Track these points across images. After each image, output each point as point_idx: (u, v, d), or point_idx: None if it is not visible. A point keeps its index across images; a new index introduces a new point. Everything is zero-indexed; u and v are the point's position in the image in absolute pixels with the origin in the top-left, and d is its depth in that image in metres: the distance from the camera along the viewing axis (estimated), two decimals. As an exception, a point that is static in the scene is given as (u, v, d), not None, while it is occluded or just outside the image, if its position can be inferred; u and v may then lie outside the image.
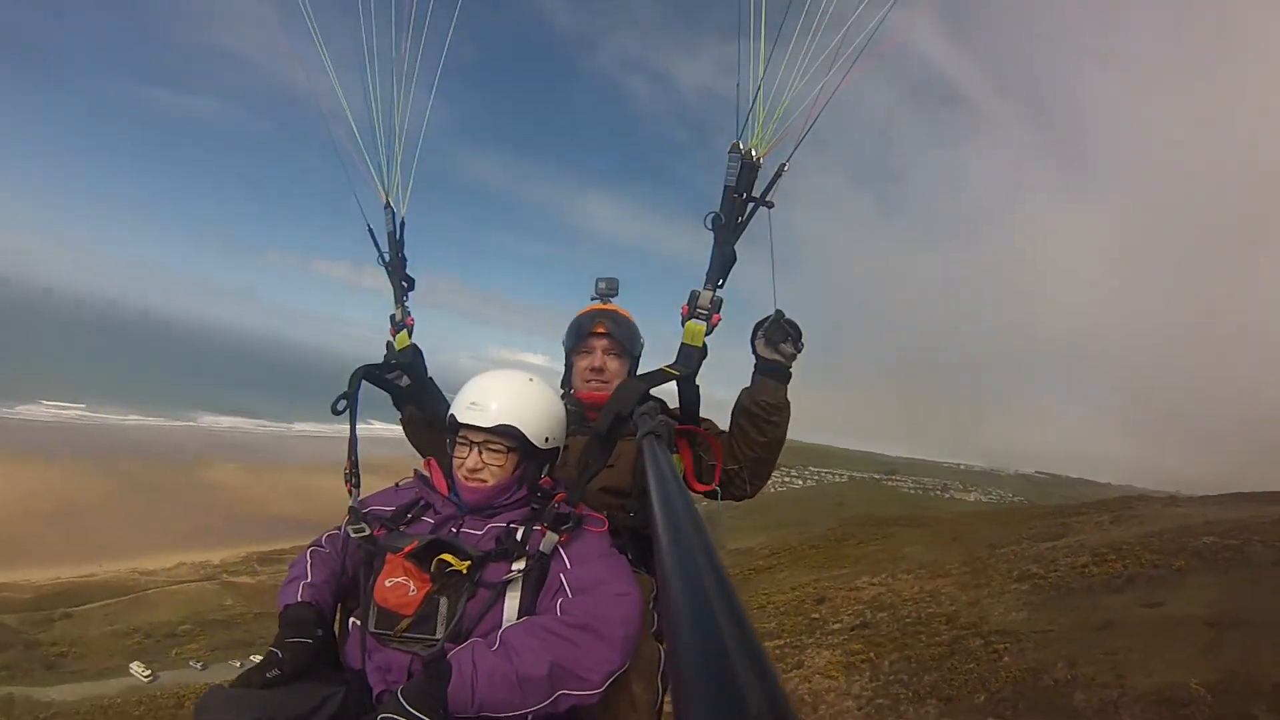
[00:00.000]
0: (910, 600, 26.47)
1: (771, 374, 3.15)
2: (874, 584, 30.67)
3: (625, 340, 3.58)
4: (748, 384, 3.23)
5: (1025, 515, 50.97)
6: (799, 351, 3.15)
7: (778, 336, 3.10)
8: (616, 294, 3.77)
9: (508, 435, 2.63)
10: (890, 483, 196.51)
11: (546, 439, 2.74)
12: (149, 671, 39.83)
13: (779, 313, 3.11)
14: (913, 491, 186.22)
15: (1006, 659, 15.14)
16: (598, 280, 3.77)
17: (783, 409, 3.15)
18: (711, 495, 3.19)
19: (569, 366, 3.65)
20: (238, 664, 40.28)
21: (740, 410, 3.20)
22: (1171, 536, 27.23)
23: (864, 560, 40.05)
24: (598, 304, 3.74)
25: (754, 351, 3.16)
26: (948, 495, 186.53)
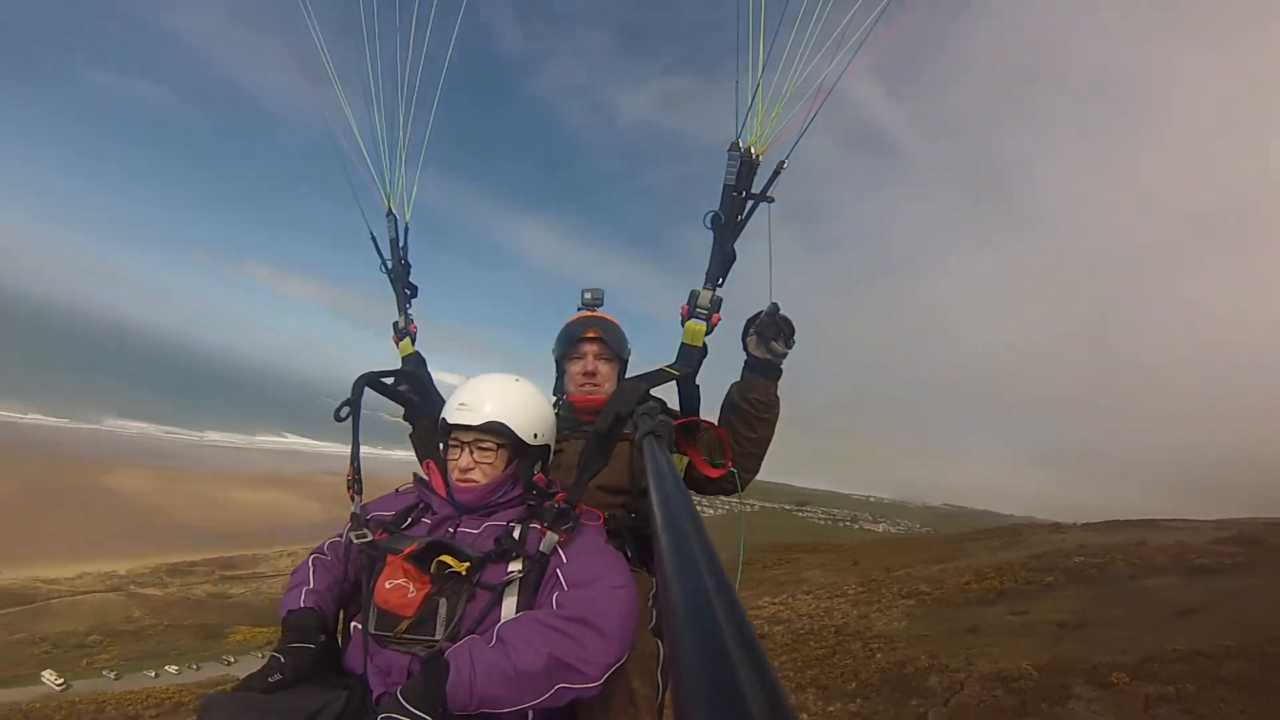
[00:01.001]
0: (806, 615, 28.92)
1: (762, 371, 3.17)
2: (774, 603, 33.03)
3: (615, 344, 3.62)
4: (737, 379, 3.29)
5: (926, 543, 54.48)
6: (790, 349, 3.15)
7: (770, 333, 3.10)
8: (602, 303, 3.83)
9: (497, 433, 2.67)
10: (801, 513, 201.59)
11: (535, 435, 2.78)
12: (61, 680, 38.87)
13: (774, 306, 3.11)
14: (822, 522, 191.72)
15: (879, 656, 17.70)
16: (583, 291, 3.84)
17: (772, 406, 3.19)
18: (725, 483, 3.21)
19: (561, 373, 3.70)
20: (153, 674, 39.89)
21: (730, 406, 3.25)
22: (1048, 558, 30.79)
23: (767, 583, 42.34)
24: (585, 312, 3.79)
25: (745, 348, 3.19)
26: (857, 526, 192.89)
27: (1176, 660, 12.91)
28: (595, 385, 3.55)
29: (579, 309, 3.82)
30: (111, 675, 40.10)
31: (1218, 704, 10.87)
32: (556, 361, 3.72)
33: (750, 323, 3.17)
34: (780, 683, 0.67)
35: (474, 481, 2.67)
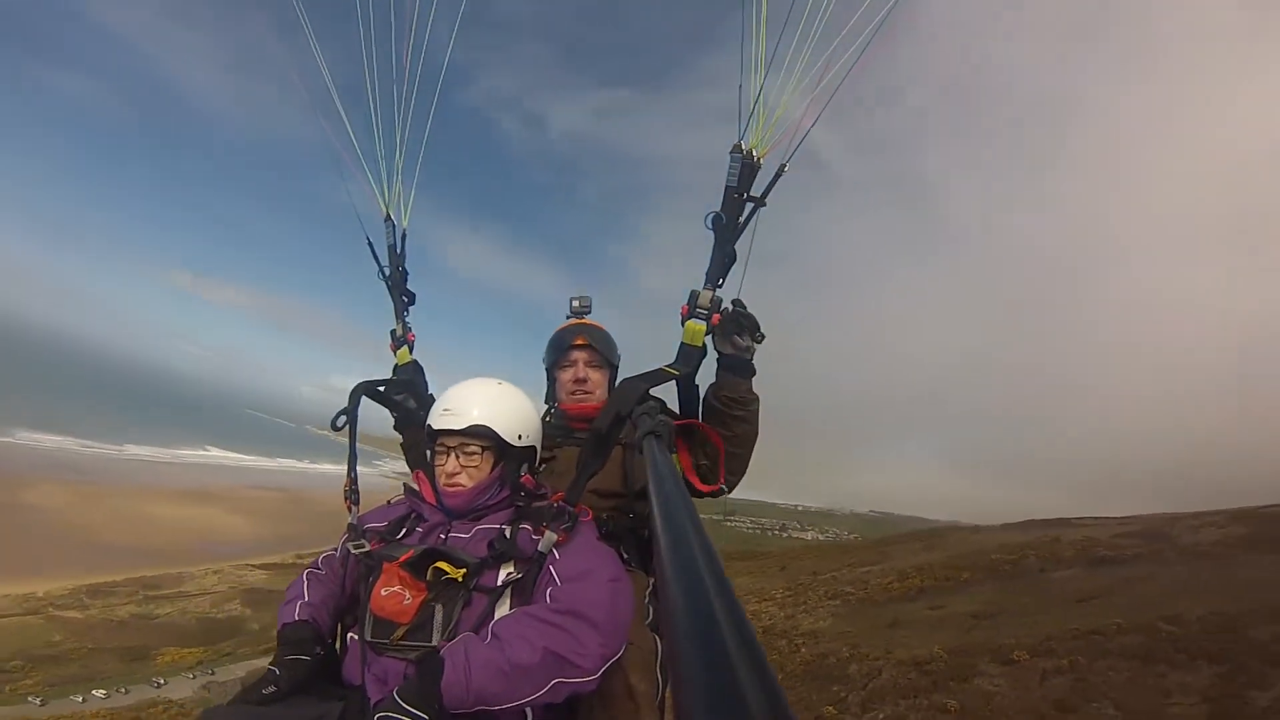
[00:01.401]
0: (735, 619, 29.83)
1: (732, 368, 3.18)
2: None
3: (605, 351, 3.65)
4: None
5: (852, 548, 56.18)
6: (758, 343, 3.17)
7: (732, 329, 3.13)
8: (590, 310, 3.84)
9: (481, 435, 2.70)
10: (730, 523, 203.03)
11: (520, 436, 2.80)
12: (-17, 705, 37.32)
13: (736, 303, 3.16)
14: (751, 531, 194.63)
15: (804, 650, 18.81)
16: (572, 299, 3.84)
17: (748, 403, 3.19)
18: (715, 495, 3.24)
19: (551, 381, 3.71)
20: (80, 699, 38.74)
21: (705, 406, 3.26)
22: (967, 557, 32.39)
23: (696, 591, 43.19)
24: (574, 319, 3.81)
25: (714, 346, 3.20)
26: (785, 534, 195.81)
27: (1072, 638, 14.16)
28: (586, 392, 3.58)
29: (568, 316, 3.83)
30: (37, 701, 38.99)
31: (1106, 673, 12.12)
32: (547, 370, 3.74)
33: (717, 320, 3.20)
34: (779, 683, 0.68)
35: (461, 485, 2.69)
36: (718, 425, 3.18)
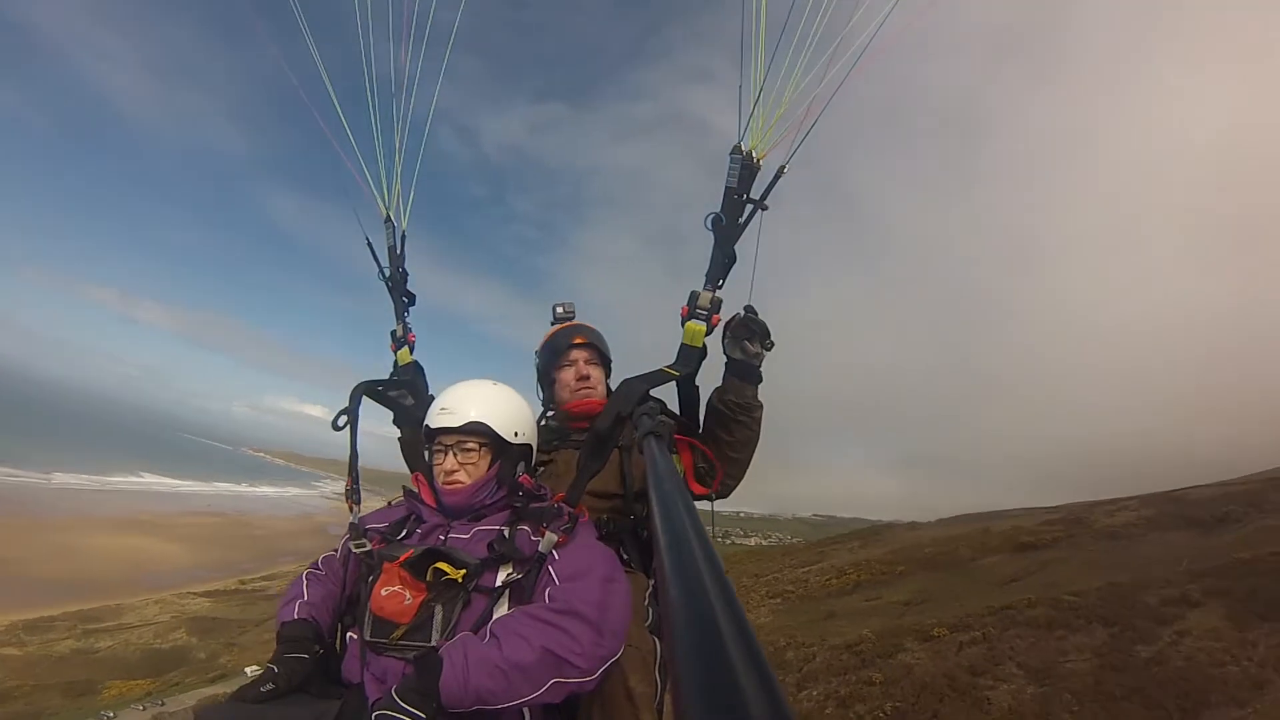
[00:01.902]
0: (679, 623, 31.10)
1: (739, 374, 3.19)
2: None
3: (603, 348, 3.70)
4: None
5: (794, 550, 57.80)
6: (767, 350, 3.18)
7: (742, 334, 3.15)
8: (575, 315, 3.87)
9: (478, 433, 2.74)
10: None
11: (516, 433, 2.85)
12: (-72, 748, 35.97)
13: (748, 309, 3.16)
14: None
15: None
16: (556, 306, 3.88)
17: (751, 409, 3.20)
18: (712, 497, 3.27)
19: (550, 383, 3.71)
20: None
21: (708, 408, 3.28)
22: (904, 551, 34.19)
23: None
24: (565, 322, 3.85)
25: (724, 350, 3.21)
26: (729, 541, 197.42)
27: (988, 614, 15.65)
28: (590, 389, 3.59)
29: (552, 324, 3.86)
30: None
31: (1014, 640, 13.56)
32: (543, 373, 3.75)
33: (726, 326, 3.21)
34: (780, 683, 0.68)
35: (459, 482, 2.72)
36: (718, 429, 3.23)
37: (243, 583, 74.68)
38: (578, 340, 3.65)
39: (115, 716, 41.38)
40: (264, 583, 77.18)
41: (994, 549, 28.34)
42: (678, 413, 3.42)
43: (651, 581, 3.07)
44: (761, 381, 3.22)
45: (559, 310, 3.88)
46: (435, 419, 2.79)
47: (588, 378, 3.60)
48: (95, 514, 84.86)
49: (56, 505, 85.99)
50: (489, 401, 2.83)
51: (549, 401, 3.74)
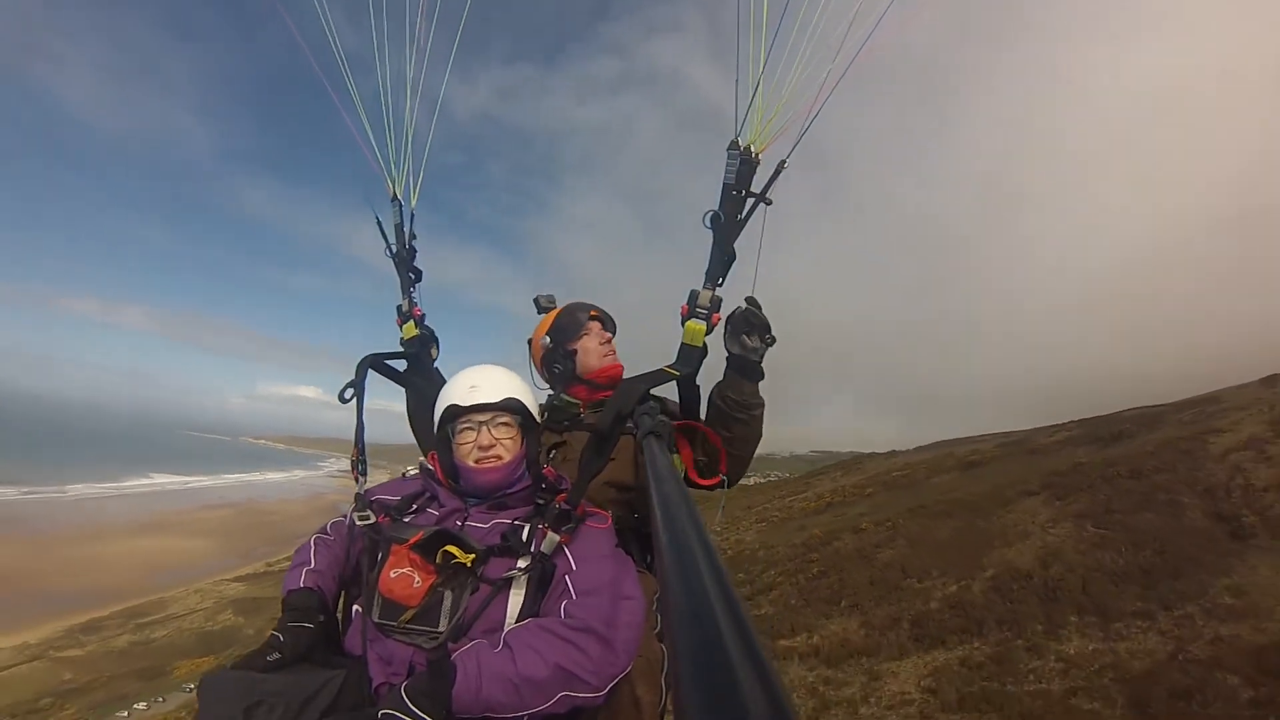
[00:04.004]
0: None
1: (739, 369, 3.22)
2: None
3: (611, 321, 3.76)
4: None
5: (784, 484, 64.31)
6: (768, 345, 3.19)
7: (741, 328, 3.17)
8: (556, 306, 3.86)
9: (514, 410, 2.78)
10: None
11: (540, 414, 2.95)
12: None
13: (750, 301, 3.20)
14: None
15: (729, 551, 27.03)
16: (538, 297, 3.89)
17: (751, 406, 3.22)
18: (712, 490, 3.30)
19: (568, 356, 3.64)
20: (125, 714, 40.35)
21: (709, 404, 3.30)
22: (877, 477, 40.90)
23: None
24: (555, 309, 3.84)
25: (724, 345, 3.22)
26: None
27: (905, 513, 22.70)
28: (614, 354, 3.66)
29: (539, 314, 3.88)
30: None
31: (911, 526, 20.65)
32: (554, 350, 3.67)
33: (727, 320, 3.21)
34: (782, 686, 0.70)
35: (499, 458, 2.73)
36: (719, 425, 3.23)
37: (269, 565, 76.77)
38: (593, 313, 3.67)
39: (194, 688, 44.10)
40: (288, 563, 79.67)
41: (946, 469, 34.92)
42: (678, 412, 3.40)
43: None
44: (763, 378, 3.24)
45: (543, 300, 3.88)
46: (467, 396, 2.75)
47: (609, 342, 3.66)
48: (116, 519, 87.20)
49: (77, 516, 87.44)
50: (513, 382, 2.87)
51: (569, 374, 3.65)
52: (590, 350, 3.62)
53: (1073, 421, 37.85)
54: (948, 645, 12.66)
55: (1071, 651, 11.01)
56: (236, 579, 70.68)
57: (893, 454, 58.55)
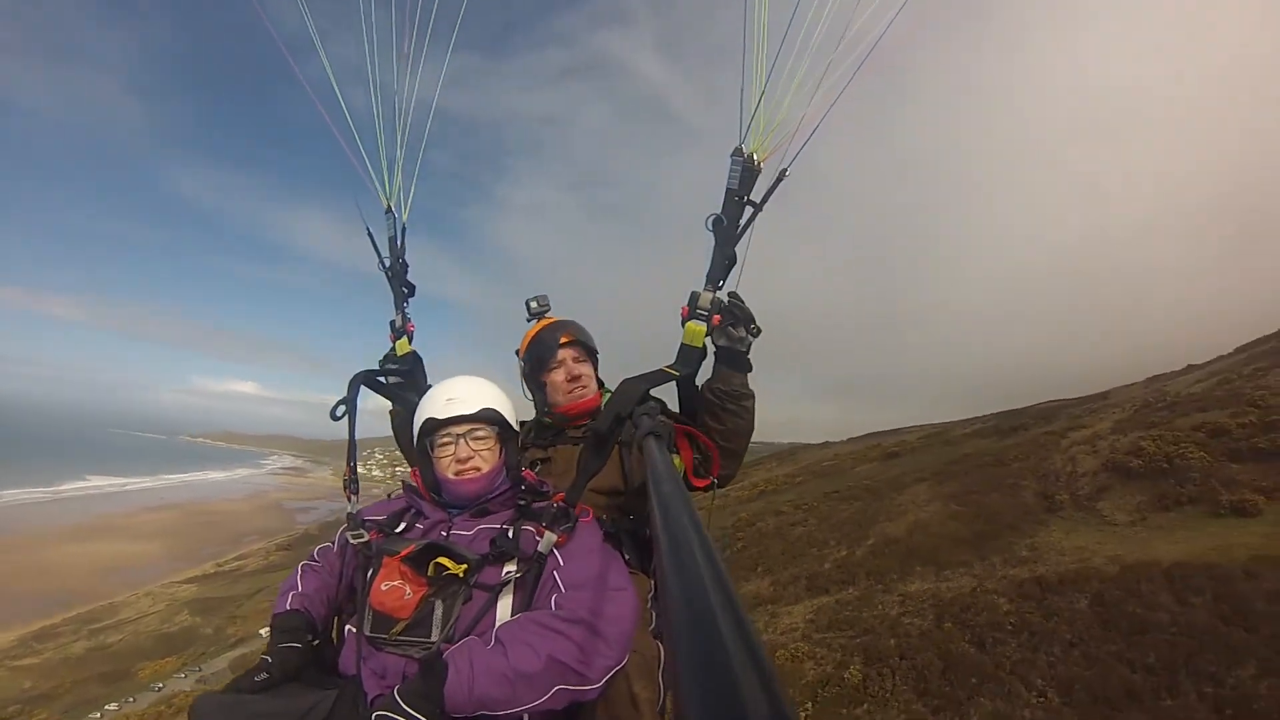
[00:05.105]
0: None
1: (726, 361, 3.27)
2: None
3: (588, 343, 3.71)
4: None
5: (723, 475, 69.02)
6: (753, 336, 3.27)
7: (727, 321, 3.22)
8: (550, 308, 3.85)
9: (490, 420, 2.80)
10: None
11: (517, 422, 2.95)
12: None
13: (732, 295, 3.26)
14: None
15: None
16: (529, 301, 3.85)
17: (741, 397, 3.27)
18: (708, 489, 3.31)
19: (540, 387, 3.66)
20: (98, 715, 41.18)
21: (701, 398, 3.34)
22: (808, 467, 45.73)
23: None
24: (548, 319, 3.81)
25: (712, 340, 3.28)
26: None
27: (821, 497, 27.25)
28: (583, 388, 3.58)
29: (529, 319, 3.86)
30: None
31: (824, 508, 25.24)
32: (530, 376, 3.71)
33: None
34: (782, 685, 0.70)
35: (477, 469, 2.75)
36: (709, 418, 3.27)
37: (219, 565, 78.20)
38: (564, 339, 3.61)
39: (163, 687, 44.53)
40: (238, 563, 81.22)
41: (870, 459, 39.49)
42: (678, 413, 3.45)
43: (653, 583, 3.12)
44: (751, 370, 3.31)
45: (533, 305, 3.83)
46: (444, 409, 2.78)
47: (579, 378, 3.59)
48: (57, 525, 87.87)
49: (17, 522, 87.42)
50: (489, 391, 2.89)
51: (542, 404, 3.68)
52: (557, 387, 3.61)
53: (992, 414, 42.47)
54: (830, 592, 16.96)
55: (911, 590, 15.27)
56: (187, 580, 71.81)
57: (826, 445, 63.41)
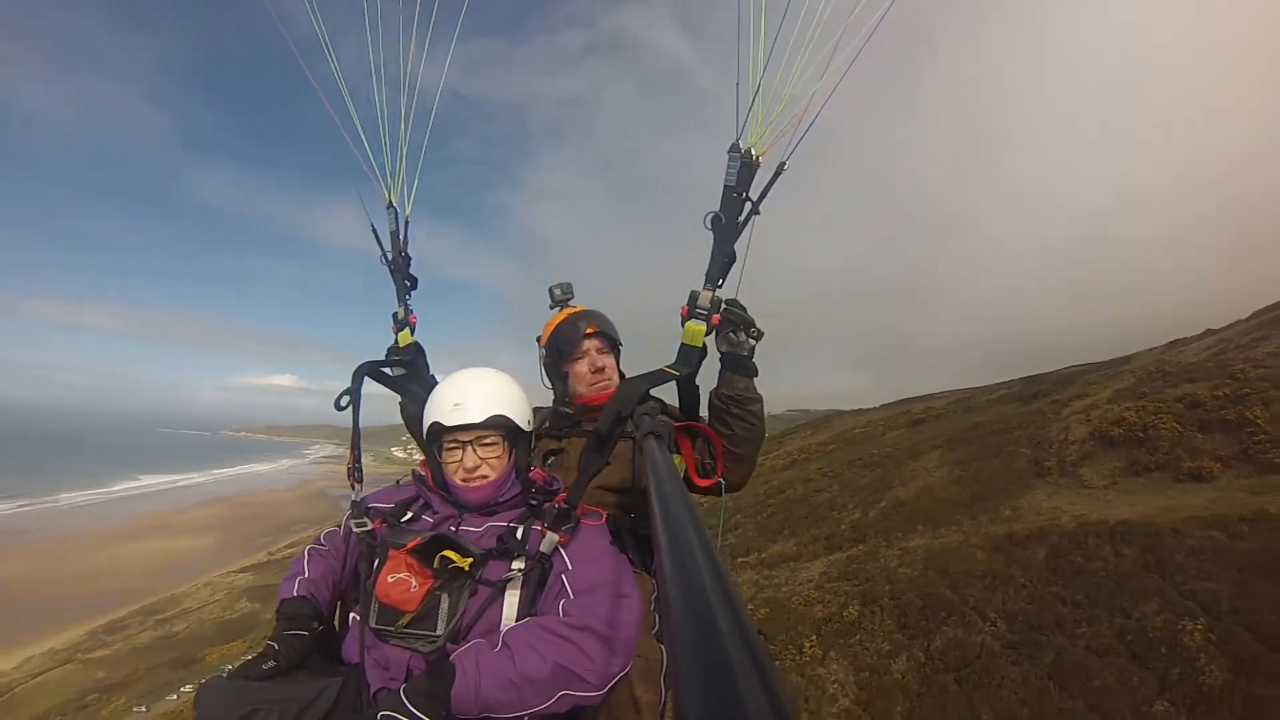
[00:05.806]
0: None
1: (730, 366, 3.33)
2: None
3: (613, 334, 3.78)
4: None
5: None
6: (755, 339, 3.31)
7: (727, 326, 3.28)
8: (573, 295, 3.94)
9: (499, 426, 2.81)
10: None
11: (528, 421, 2.94)
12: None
13: (730, 301, 3.29)
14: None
15: (704, 504, 33.81)
16: (552, 288, 3.93)
17: (748, 402, 3.31)
18: (714, 491, 3.37)
19: (563, 377, 3.75)
20: (174, 696, 41.90)
21: (710, 405, 3.41)
22: (841, 434, 47.38)
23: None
24: (571, 308, 3.89)
25: (715, 346, 3.32)
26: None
27: (847, 464, 29.88)
28: (606, 380, 3.68)
29: (551, 307, 3.93)
30: (143, 709, 42.02)
31: (848, 475, 27.87)
32: (552, 366, 3.81)
33: None
34: (783, 685, 0.72)
35: (485, 478, 2.80)
36: (716, 423, 3.34)
37: (271, 554, 79.53)
38: (589, 330, 3.69)
39: (233, 668, 46.58)
40: (290, 550, 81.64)
41: (898, 426, 41.07)
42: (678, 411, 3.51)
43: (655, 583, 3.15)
44: (756, 374, 3.35)
45: (556, 292, 3.91)
46: (449, 416, 2.79)
47: (602, 369, 3.68)
48: (113, 524, 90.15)
49: (75, 524, 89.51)
50: (500, 391, 2.88)
51: (562, 394, 3.77)
52: (580, 378, 3.68)
53: (1017, 379, 43.44)
54: (843, 550, 19.59)
55: (910, 546, 17.78)
56: (242, 570, 73.84)
57: (859, 412, 64.70)
